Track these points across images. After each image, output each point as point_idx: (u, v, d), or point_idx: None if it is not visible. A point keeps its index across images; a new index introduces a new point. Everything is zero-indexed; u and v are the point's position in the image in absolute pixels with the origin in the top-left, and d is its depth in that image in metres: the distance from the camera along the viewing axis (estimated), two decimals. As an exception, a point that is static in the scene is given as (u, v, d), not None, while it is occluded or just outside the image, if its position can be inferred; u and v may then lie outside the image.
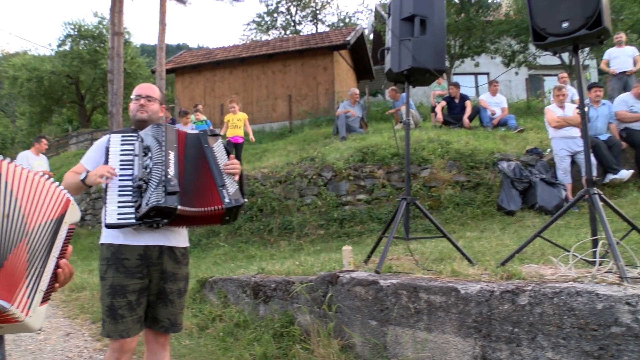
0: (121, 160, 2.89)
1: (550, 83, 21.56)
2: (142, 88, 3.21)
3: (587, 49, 19.92)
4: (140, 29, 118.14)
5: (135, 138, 2.97)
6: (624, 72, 11.40)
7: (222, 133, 11.37)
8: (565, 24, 3.78)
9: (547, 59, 18.69)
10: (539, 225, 4.89)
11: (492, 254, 4.88)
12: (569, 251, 3.78)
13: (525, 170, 8.31)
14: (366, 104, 18.10)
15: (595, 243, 3.76)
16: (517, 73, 22.32)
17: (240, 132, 11.26)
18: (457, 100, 11.92)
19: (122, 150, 2.93)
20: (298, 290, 4.31)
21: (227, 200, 2.83)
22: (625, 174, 7.92)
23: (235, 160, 3.09)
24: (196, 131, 3.18)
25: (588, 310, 2.78)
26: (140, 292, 2.93)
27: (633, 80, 11.21)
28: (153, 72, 15.63)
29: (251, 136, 11.51)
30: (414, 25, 4.56)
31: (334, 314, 3.97)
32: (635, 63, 11.54)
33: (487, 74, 23.91)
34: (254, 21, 40.31)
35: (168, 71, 19.36)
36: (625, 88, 10.95)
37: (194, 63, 20.93)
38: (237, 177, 3.02)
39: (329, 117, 16.93)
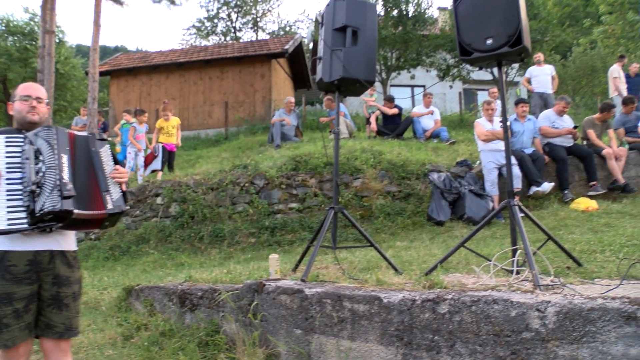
0: (7, 163, 2.76)
1: (483, 97, 22.22)
2: (31, 89, 3.07)
3: (516, 66, 20.76)
4: (77, 29, 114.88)
5: (21, 140, 2.84)
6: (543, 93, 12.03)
7: (153, 138, 11.20)
8: (489, 41, 3.93)
9: (481, 74, 19.31)
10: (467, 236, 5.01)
11: (419, 264, 4.98)
12: (490, 260, 3.89)
13: (455, 181, 8.52)
14: (302, 112, 18.18)
15: (514, 253, 3.88)
16: (451, 86, 22.90)
17: (174, 140, 11.14)
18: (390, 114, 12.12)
19: (7, 153, 2.79)
20: (224, 298, 4.27)
21: (110, 205, 2.84)
22: (547, 186, 8.24)
23: (123, 170, 3.06)
24: (84, 133, 3.10)
25: (503, 318, 2.87)
26: (29, 299, 2.84)
27: (552, 97, 11.78)
28: (87, 73, 15.23)
29: (179, 141, 11.40)
30: (346, 35, 4.62)
31: (260, 323, 3.95)
32: (553, 81, 12.13)
33: (423, 86, 24.40)
34: (194, 26, 39.94)
35: (103, 73, 18.90)
36: (546, 105, 11.49)
37: (130, 66, 20.52)
38: (123, 186, 3.00)
39: (265, 125, 16.92)
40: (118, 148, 11.64)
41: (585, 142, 9.51)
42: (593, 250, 5.19)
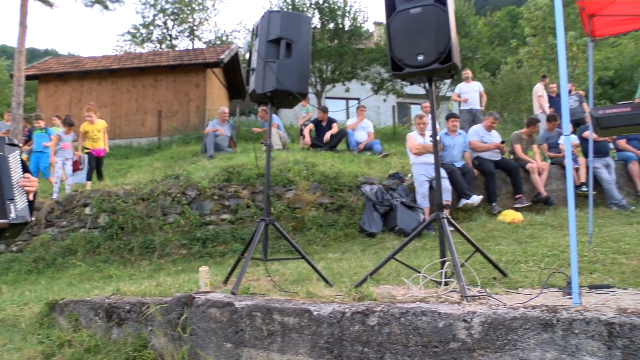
0: None
1: (416, 111, 22.68)
2: None
3: (449, 81, 21.35)
4: (3, 30, 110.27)
5: None
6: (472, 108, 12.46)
7: (79, 144, 10.85)
8: (420, 57, 4.01)
9: (414, 88, 19.72)
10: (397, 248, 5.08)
11: (350, 276, 5.01)
12: (419, 272, 3.96)
13: (387, 193, 8.63)
14: (236, 123, 18.06)
15: (443, 264, 3.96)
16: (385, 100, 23.29)
17: (102, 145, 10.75)
18: (324, 124, 12.18)
19: None
20: (152, 312, 4.17)
21: (12, 215, 2.68)
22: (476, 199, 8.49)
23: (34, 178, 2.90)
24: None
25: (431, 329, 2.92)
26: None
27: (481, 113, 12.18)
28: (12, 76, 14.59)
29: (106, 146, 11.04)
30: (280, 47, 4.62)
31: (189, 337, 3.87)
32: (481, 97, 12.55)
33: (358, 99, 24.71)
34: (128, 32, 39.04)
35: (30, 77, 18.15)
36: (475, 120, 11.86)
37: (60, 71, 19.81)
38: (30, 196, 2.85)
39: (198, 135, 16.70)
40: (24, 156, 11.15)
41: (512, 156, 9.86)
42: (518, 260, 5.37)
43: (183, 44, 39.39)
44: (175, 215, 8.46)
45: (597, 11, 6.01)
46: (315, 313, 3.28)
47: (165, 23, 38.26)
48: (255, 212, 8.44)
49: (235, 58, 22.02)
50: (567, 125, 3.40)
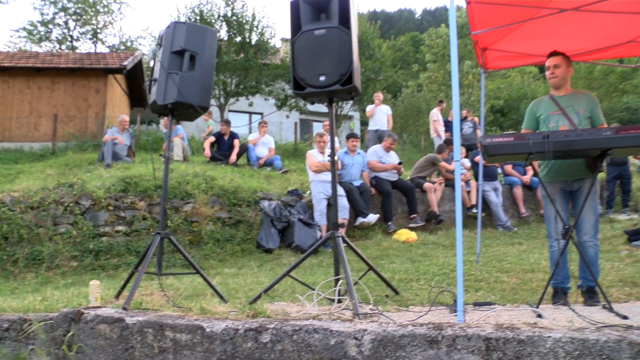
0: None
1: (318, 128, 22.97)
2: None
3: (351, 102, 21.81)
4: None
5: None
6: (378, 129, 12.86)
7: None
8: (322, 78, 4.09)
9: (317, 105, 19.86)
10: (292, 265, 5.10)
11: (245, 292, 5.00)
12: (314, 289, 4.01)
13: (285, 210, 8.67)
14: (136, 132, 17.57)
15: (337, 282, 4.03)
16: (288, 116, 23.43)
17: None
18: (226, 137, 12.11)
19: None
20: (35, 329, 3.95)
21: None
22: (373, 217, 8.71)
23: None
24: None
25: (323, 346, 2.96)
26: None
27: (387, 132, 12.55)
28: None
29: None
30: (184, 59, 4.56)
31: (75, 355, 3.70)
32: (388, 120, 12.98)
33: (261, 114, 24.71)
34: (24, 29, 37.00)
35: None
36: (381, 141, 12.19)
37: (-58, 65, 18.49)
38: None
39: (96, 142, 16.07)
40: None
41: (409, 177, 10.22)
42: (410, 279, 5.56)
43: (85, 46, 37.88)
44: (67, 226, 8.08)
45: (489, 45, 6.39)
46: (208, 330, 3.24)
47: (66, 23, 36.54)
48: (151, 225, 8.22)
49: (139, 65, 21.42)
50: (457, 150, 3.57)
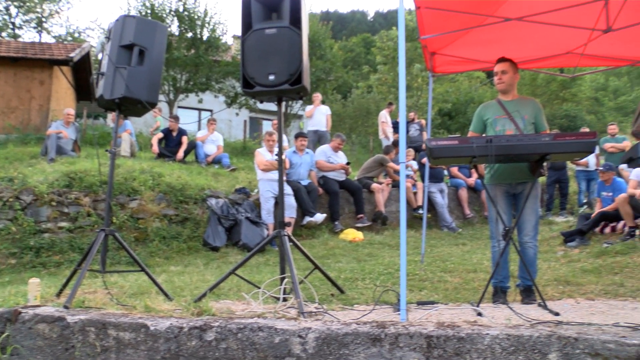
0: None
1: (268, 126, 22.92)
2: None
3: (301, 101, 21.84)
4: None
5: None
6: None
7: None
8: (271, 77, 4.10)
9: (267, 104, 19.85)
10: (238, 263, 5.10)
11: (191, 290, 4.96)
12: (259, 288, 4.02)
13: (233, 208, 8.64)
14: (82, 126, 17.16)
15: (282, 281, 4.05)
16: (237, 114, 23.29)
17: None
18: (174, 134, 11.96)
19: None
20: (-33, 329, 3.82)
21: None
22: (320, 217, 8.77)
23: None
24: None
25: (267, 344, 2.97)
26: None
27: (327, 134, 12.65)
28: None
29: None
30: (132, 54, 4.49)
31: (9, 358, 3.60)
32: (327, 121, 13.04)
33: (211, 111, 24.49)
34: (-41, 13, 35.42)
35: None
36: (320, 141, 12.28)
37: None
38: None
39: (39, 136, 15.60)
40: None
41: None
42: (356, 278, 5.63)
43: (28, 35, 36.57)
44: (6, 222, 7.82)
45: (437, 50, 6.52)
46: (152, 328, 3.21)
47: (7, 9, 35.13)
48: (96, 221, 8.05)
49: (86, 58, 20.87)
50: (402, 152, 3.64)
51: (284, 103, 4.44)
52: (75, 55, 18.47)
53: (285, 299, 3.87)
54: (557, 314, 3.64)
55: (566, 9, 5.57)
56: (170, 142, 11.91)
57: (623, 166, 9.81)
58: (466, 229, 10.09)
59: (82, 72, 21.56)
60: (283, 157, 4.36)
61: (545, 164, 4.12)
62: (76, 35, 35.97)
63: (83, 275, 4.04)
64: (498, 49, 5.88)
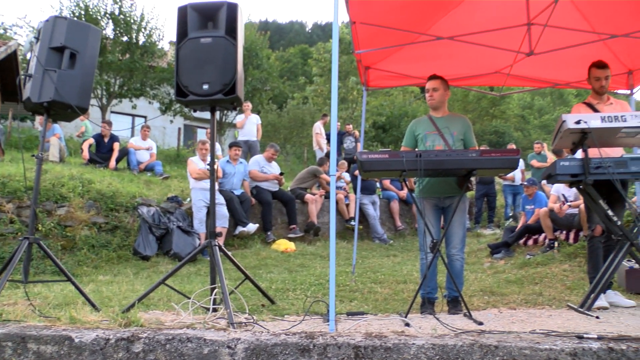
0: None
1: (203, 135, 22.68)
2: None
3: (236, 110, 21.73)
4: None
5: None
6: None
7: None
8: (205, 86, 4.10)
9: (202, 112, 19.62)
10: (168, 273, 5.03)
11: (120, 300, 4.86)
12: (190, 298, 3.98)
13: (164, 216, 8.49)
14: (7, 128, 16.53)
15: (213, 291, 4.03)
16: (172, 121, 22.96)
17: None
18: (106, 140, 11.69)
19: None
20: None
21: None
22: (252, 227, 8.76)
23: None
24: None
25: (196, 355, 2.96)
26: None
27: (257, 144, 12.65)
28: None
29: None
30: (63, 57, 4.38)
31: None
32: (258, 130, 13.05)
33: (145, 117, 24.05)
34: None
35: None
36: (250, 151, 12.28)
37: None
38: None
39: (-42, 138, 14.94)
40: None
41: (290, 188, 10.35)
42: (287, 288, 5.65)
43: (-56, 30, 34.80)
44: None
45: (371, 64, 6.67)
46: (77, 340, 3.13)
47: None
48: (20, 229, 7.72)
49: (13, 56, 20.08)
50: (333, 164, 3.71)
51: (218, 112, 4.44)
52: (1, 53, 17.78)
53: (215, 310, 3.85)
54: (480, 324, 3.77)
55: (494, 31, 5.84)
56: (102, 148, 11.64)
57: (544, 181, 10.27)
58: (397, 241, 10.28)
59: (8, 71, 20.68)
60: (216, 166, 4.35)
61: (472, 178, 4.27)
62: (1, 31, 34.55)
63: (3, 286, 3.90)
64: (430, 65, 6.07)
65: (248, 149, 12.49)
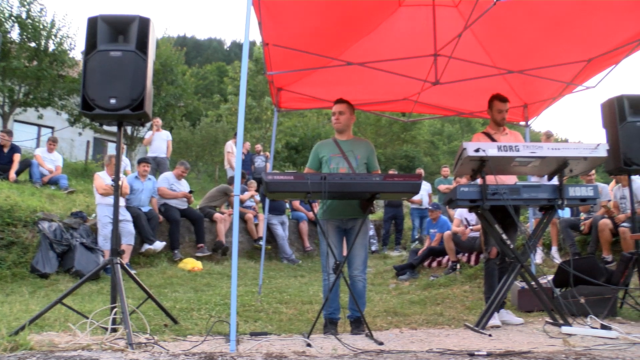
0: None
1: (113, 149, 22.03)
2: None
3: (149, 125, 21.31)
4: None
5: None
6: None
7: None
8: (113, 101, 4.02)
9: (112, 126, 19.09)
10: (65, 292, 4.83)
11: (10, 322, 4.60)
12: (88, 318, 3.85)
13: (67, 232, 8.16)
14: None
15: (113, 310, 3.92)
16: (81, 133, 22.21)
17: None
18: (5, 150, 11.12)
19: None
20: None
21: None
22: (159, 245, 8.59)
23: None
24: None
25: (89, 377, 2.87)
26: None
27: (166, 161, 12.47)
28: None
29: None
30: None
31: None
32: (168, 147, 12.88)
33: (52, 128, 23.13)
34: None
35: None
36: (159, 167, 12.07)
37: None
38: None
39: None
40: None
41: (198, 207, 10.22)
42: (191, 308, 5.59)
43: None
44: None
45: (283, 86, 6.75)
46: (-46, 366, 2.96)
47: None
48: None
49: None
50: (237, 185, 3.74)
51: (130, 127, 4.36)
52: None
53: (114, 330, 3.75)
54: (381, 344, 3.86)
55: (403, 60, 6.07)
56: (1, 159, 11.07)
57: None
58: (306, 261, 10.36)
59: None
60: (121, 182, 4.26)
61: (375, 201, 4.40)
62: None
63: None
64: (341, 90, 6.22)
65: (157, 166, 12.25)
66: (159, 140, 12.77)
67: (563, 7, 5.11)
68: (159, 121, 13.33)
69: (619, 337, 3.97)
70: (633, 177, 6.04)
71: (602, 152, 4.32)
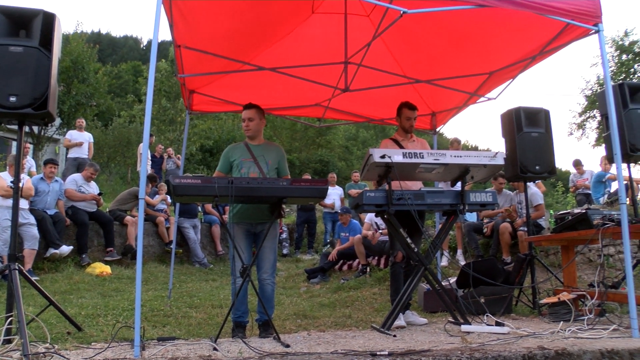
0: None
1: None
2: None
3: (58, 123, 20.55)
4: None
5: None
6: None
7: None
8: (13, 99, 3.83)
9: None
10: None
11: None
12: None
13: (-38, 237, 7.73)
14: None
15: (7, 320, 3.76)
16: (-18, 132, 21.11)
17: None
18: None
19: None
20: None
21: None
22: (65, 249, 8.28)
23: None
24: None
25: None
26: None
27: (87, 161, 12.11)
28: None
29: None
30: None
31: None
32: (89, 148, 12.52)
33: (-51, 125, 21.83)
34: None
35: None
36: (79, 169, 11.69)
37: None
38: None
39: None
40: None
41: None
42: (98, 314, 5.44)
43: None
44: None
45: (196, 89, 6.70)
46: None
47: None
48: None
49: None
50: (143, 188, 3.70)
51: (28, 126, 4.18)
52: None
53: (8, 341, 3.60)
54: (287, 346, 3.89)
55: (315, 66, 6.17)
56: None
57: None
58: (218, 265, 10.28)
59: None
60: (26, 183, 4.09)
61: (284, 205, 4.44)
62: None
63: None
64: (253, 94, 6.25)
65: (77, 167, 11.82)
66: (80, 139, 12.42)
67: (467, 22, 5.35)
68: (82, 122, 12.94)
69: (509, 332, 4.23)
70: (529, 183, 6.43)
71: (500, 160, 4.59)
